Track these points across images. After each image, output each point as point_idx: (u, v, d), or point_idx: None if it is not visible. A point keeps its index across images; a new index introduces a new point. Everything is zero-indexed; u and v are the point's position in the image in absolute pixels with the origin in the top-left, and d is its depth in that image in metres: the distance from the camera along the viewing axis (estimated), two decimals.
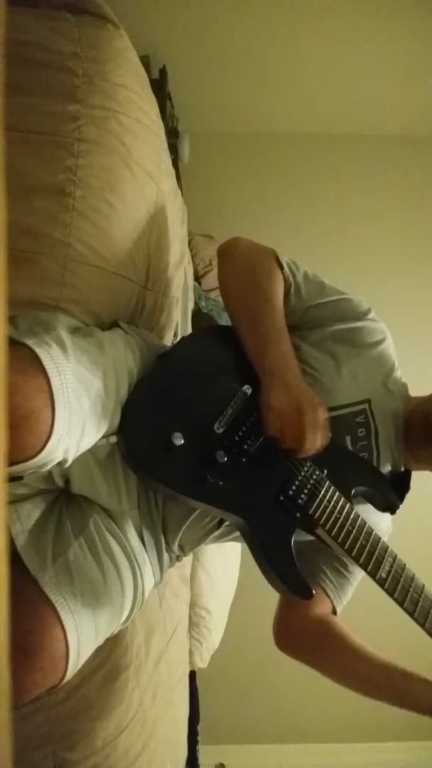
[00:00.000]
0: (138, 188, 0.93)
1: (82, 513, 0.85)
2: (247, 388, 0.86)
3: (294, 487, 0.80)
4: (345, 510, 0.81)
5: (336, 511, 0.80)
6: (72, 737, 0.93)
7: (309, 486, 0.81)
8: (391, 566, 0.78)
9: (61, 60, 0.84)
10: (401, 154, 2.88)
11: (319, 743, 2.65)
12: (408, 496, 0.96)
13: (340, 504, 0.81)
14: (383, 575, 0.77)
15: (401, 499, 0.94)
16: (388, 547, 0.81)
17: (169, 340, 1.22)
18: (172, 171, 1.19)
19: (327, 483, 0.83)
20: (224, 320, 2.08)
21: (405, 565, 0.80)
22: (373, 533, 0.81)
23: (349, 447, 0.92)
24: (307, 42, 2.33)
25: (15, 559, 0.74)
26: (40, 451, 0.61)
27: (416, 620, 0.77)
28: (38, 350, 0.64)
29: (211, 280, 2.37)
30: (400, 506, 0.92)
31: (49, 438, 0.61)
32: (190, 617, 1.63)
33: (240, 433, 0.81)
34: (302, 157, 2.90)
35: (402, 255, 2.83)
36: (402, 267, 2.81)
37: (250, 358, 0.88)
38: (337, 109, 2.75)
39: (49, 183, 0.80)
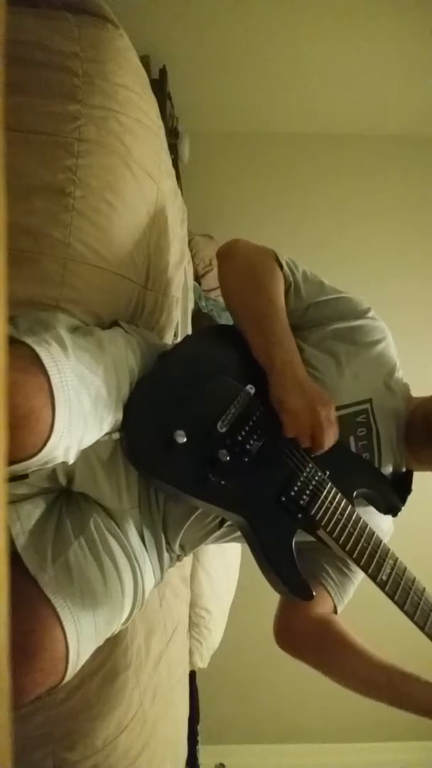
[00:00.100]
0: (138, 188, 0.93)
1: (82, 513, 0.85)
2: (250, 388, 0.86)
3: (296, 488, 0.80)
4: (347, 512, 0.81)
5: (338, 513, 0.80)
6: (72, 737, 0.93)
7: (311, 487, 0.81)
8: (392, 569, 0.78)
9: (61, 60, 0.84)
10: (401, 154, 2.88)
11: (319, 743, 2.65)
12: (409, 498, 0.96)
13: (341, 506, 0.81)
14: (384, 578, 0.77)
15: (403, 501, 0.94)
16: (389, 549, 0.81)
17: (169, 340, 1.22)
18: (172, 171, 1.19)
19: (329, 484, 0.83)
20: (224, 320, 2.08)
21: (406, 567, 0.80)
22: (375, 535, 0.81)
23: (352, 447, 0.92)
24: (307, 42, 2.33)
25: (15, 559, 0.74)
26: (41, 450, 0.61)
27: (416, 623, 0.77)
28: (38, 349, 0.64)
29: (211, 280, 2.36)
30: (402, 508, 0.92)
31: (49, 436, 0.61)
32: (190, 617, 1.63)
33: (243, 433, 0.81)
34: (302, 157, 2.90)
35: (402, 255, 2.83)
36: (402, 267, 2.81)
37: (256, 357, 0.88)
38: (337, 109, 2.75)
39: (49, 183, 0.80)
